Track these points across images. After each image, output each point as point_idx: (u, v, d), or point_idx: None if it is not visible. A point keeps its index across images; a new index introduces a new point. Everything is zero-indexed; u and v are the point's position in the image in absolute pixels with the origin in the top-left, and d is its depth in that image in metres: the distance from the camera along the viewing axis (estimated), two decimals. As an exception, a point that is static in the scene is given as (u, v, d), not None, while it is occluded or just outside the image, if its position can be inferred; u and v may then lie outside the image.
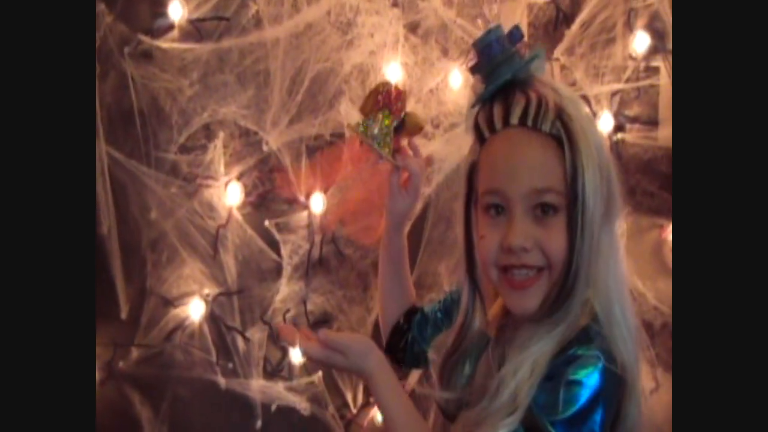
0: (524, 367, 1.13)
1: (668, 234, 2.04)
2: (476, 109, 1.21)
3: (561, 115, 1.14)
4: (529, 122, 1.15)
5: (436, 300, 1.52)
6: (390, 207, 1.48)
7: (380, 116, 1.39)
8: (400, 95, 1.42)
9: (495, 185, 1.17)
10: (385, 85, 1.44)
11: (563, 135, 1.13)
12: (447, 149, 2.24)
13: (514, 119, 1.16)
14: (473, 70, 1.22)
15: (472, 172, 1.22)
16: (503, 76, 1.17)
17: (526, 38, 2.33)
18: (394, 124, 1.40)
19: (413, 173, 1.44)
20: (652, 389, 2.11)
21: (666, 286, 2.06)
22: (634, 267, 2.13)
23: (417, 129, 1.47)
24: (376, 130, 1.39)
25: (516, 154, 1.16)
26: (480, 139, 1.21)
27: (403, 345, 1.48)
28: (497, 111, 1.17)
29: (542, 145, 1.14)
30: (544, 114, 1.14)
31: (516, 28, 1.20)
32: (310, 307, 2.24)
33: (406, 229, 1.53)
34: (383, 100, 1.40)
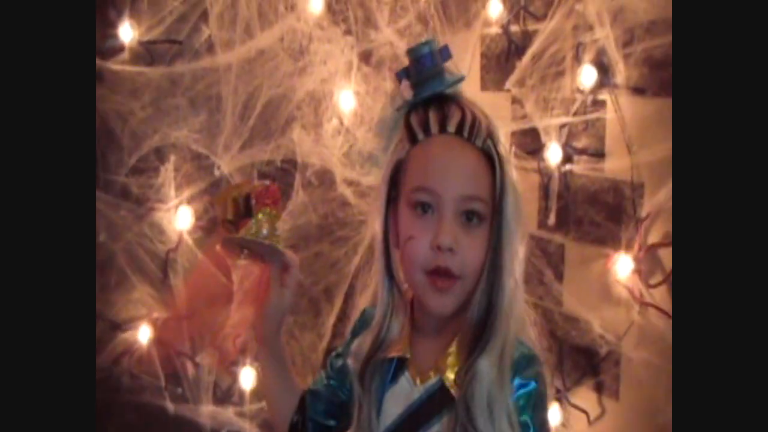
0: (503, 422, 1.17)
1: (613, 264, 2.08)
2: (403, 111, 1.24)
3: (491, 134, 1.20)
4: (465, 133, 1.19)
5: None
6: (270, 308, 1.40)
7: (265, 215, 1.36)
8: (275, 189, 1.39)
9: (429, 184, 1.19)
10: (240, 187, 1.40)
11: (494, 152, 1.20)
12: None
13: (451, 128, 1.20)
14: (401, 75, 1.25)
15: (397, 170, 1.24)
16: (433, 88, 1.21)
17: (478, 68, 2.39)
18: (277, 218, 1.38)
19: (293, 266, 1.40)
20: (598, 415, 2.15)
21: (611, 314, 2.10)
22: (579, 295, 2.19)
23: (279, 217, 1.44)
24: (265, 230, 1.35)
25: (453, 159, 1.19)
26: (411, 139, 1.23)
27: None
28: (433, 116, 1.21)
29: (476, 157, 1.19)
30: (478, 129, 1.19)
31: (445, 48, 1.25)
32: (256, 324, 2.21)
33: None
34: (260, 200, 1.36)
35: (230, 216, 1.38)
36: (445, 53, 1.24)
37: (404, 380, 1.26)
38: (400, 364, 1.27)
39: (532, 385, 1.21)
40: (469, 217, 1.19)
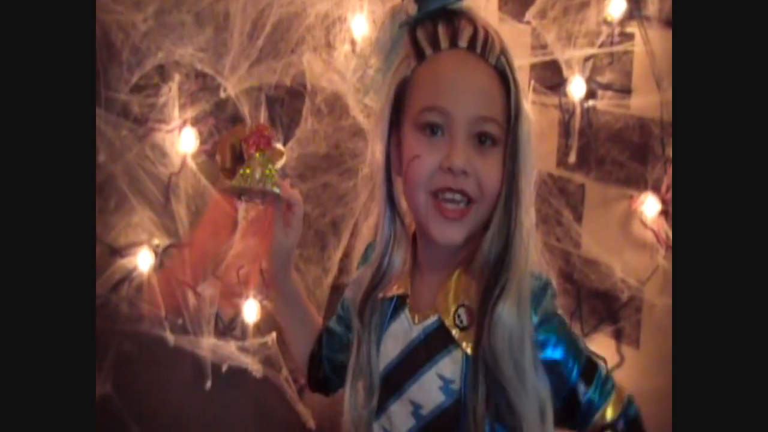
0: (530, 377, 1.12)
1: (638, 205, 2.01)
2: (407, 27, 1.17)
3: (504, 52, 1.14)
4: (478, 49, 1.13)
5: None
6: (274, 248, 1.39)
7: (256, 159, 1.33)
8: (265, 130, 1.37)
9: (439, 103, 1.12)
10: (237, 133, 1.38)
11: (508, 70, 1.14)
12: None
13: (463, 42, 1.14)
14: None
15: (401, 90, 1.17)
16: (441, 1, 1.15)
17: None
18: (272, 159, 1.36)
19: (296, 203, 1.37)
20: (617, 364, 2.09)
21: (634, 258, 2.03)
22: (599, 238, 2.11)
23: (281, 155, 1.41)
24: (257, 175, 1.32)
25: (465, 76, 1.14)
26: (418, 56, 1.16)
27: (323, 373, 1.42)
28: (443, 30, 1.14)
29: (489, 75, 1.13)
30: (491, 45, 1.13)
31: None
32: (264, 264, 2.13)
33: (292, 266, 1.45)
34: (251, 143, 1.34)
35: (228, 164, 1.36)
36: None
37: (403, 318, 1.22)
38: (401, 302, 1.22)
39: (555, 320, 1.17)
40: (482, 139, 1.13)
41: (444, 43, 1.14)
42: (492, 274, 1.13)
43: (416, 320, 1.20)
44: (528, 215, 1.14)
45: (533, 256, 1.16)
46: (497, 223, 1.14)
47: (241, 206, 2.05)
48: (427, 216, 1.15)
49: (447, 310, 1.17)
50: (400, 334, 1.22)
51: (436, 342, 1.18)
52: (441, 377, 1.16)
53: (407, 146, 1.16)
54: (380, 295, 1.23)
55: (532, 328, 1.13)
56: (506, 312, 1.10)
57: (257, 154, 1.32)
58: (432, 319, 1.18)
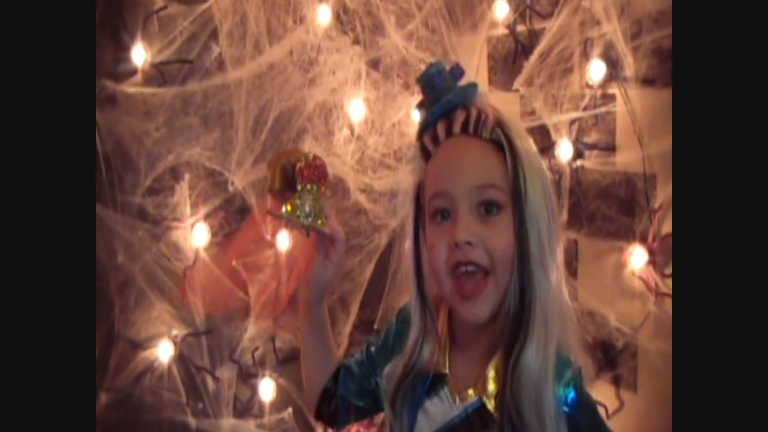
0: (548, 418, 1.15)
1: (627, 256, 2.05)
2: (419, 136, 1.24)
3: (500, 123, 1.17)
4: (470, 130, 1.17)
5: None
6: (312, 278, 1.40)
7: (307, 191, 1.34)
8: (321, 165, 1.37)
9: (439, 187, 1.17)
10: (291, 155, 1.39)
11: (503, 138, 1.16)
12: (410, 181, 2.25)
13: (457, 129, 1.18)
14: (419, 106, 1.26)
15: (419, 191, 1.23)
16: (445, 101, 1.20)
17: (486, 70, 2.38)
18: (322, 194, 1.37)
19: (339, 240, 1.39)
20: (616, 409, 2.12)
21: (627, 307, 2.08)
22: (594, 290, 2.15)
23: (327, 189, 1.43)
24: (307, 208, 1.34)
25: (457, 156, 1.18)
26: (426, 156, 1.22)
27: (333, 408, 1.43)
28: (440, 126, 1.20)
29: (482, 148, 1.17)
30: (483, 122, 1.17)
31: (456, 65, 1.24)
32: (278, 344, 2.23)
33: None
34: (305, 175, 1.35)
35: (277, 186, 1.37)
36: (456, 72, 1.23)
37: (443, 397, 1.24)
38: (438, 380, 1.25)
39: (589, 406, 1.21)
40: (487, 208, 1.15)
41: (441, 136, 1.20)
42: (511, 332, 1.16)
43: (457, 400, 1.22)
44: (546, 275, 1.16)
45: (561, 315, 1.18)
46: (513, 283, 1.16)
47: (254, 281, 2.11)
48: (453, 299, 1.19)
49: (489, 395, 1.20)
50: (439, 411, 1.24)
51: (477, 421, 1.21)
52: None
53: (427, 240, 1.21)
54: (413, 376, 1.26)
55: (562, 403, 1.17)
56: (531, 361, 1.14)
57: (309, 187, 1.34)
58: (473, 399, 1.21)
